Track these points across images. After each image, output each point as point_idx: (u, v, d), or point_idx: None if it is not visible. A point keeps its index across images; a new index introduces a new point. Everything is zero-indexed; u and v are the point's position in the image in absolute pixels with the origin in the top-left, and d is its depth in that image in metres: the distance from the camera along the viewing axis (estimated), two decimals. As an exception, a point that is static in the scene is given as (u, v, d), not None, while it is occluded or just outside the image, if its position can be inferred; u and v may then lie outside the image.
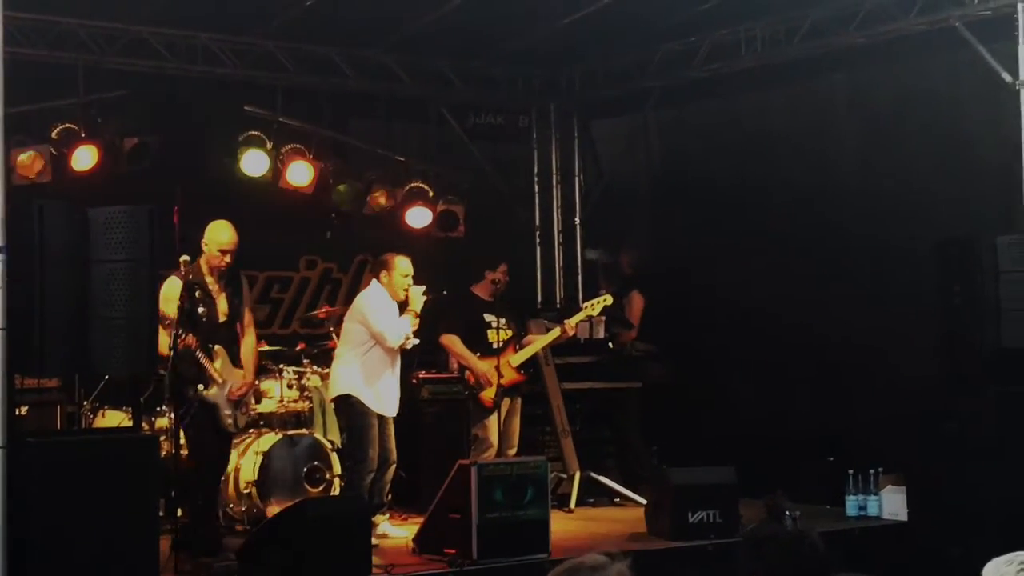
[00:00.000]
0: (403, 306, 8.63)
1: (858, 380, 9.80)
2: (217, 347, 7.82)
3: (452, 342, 9.35)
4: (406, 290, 8.58)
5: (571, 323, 9.51)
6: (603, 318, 10.26)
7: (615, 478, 10.35)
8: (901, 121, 9.93)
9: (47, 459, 6.26)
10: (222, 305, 7.88)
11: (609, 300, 9.67)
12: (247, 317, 8.14)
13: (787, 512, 3.57)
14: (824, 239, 10.27)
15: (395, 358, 8.59)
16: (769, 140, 10.81)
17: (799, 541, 3.47)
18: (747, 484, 8.51)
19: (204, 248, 7.82)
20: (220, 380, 7.83)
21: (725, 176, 11.08)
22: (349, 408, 8.50)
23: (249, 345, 8.11)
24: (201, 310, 7.68)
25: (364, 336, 8.56)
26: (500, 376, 9.13)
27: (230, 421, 7.95)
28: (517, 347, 9.48)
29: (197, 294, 7.65)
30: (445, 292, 9.06)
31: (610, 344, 10.74)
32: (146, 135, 9.94)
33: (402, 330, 8.48)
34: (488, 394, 9.17)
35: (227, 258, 7.85)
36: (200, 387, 7.74)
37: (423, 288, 8.61)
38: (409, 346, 8.69)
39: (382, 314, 8.54)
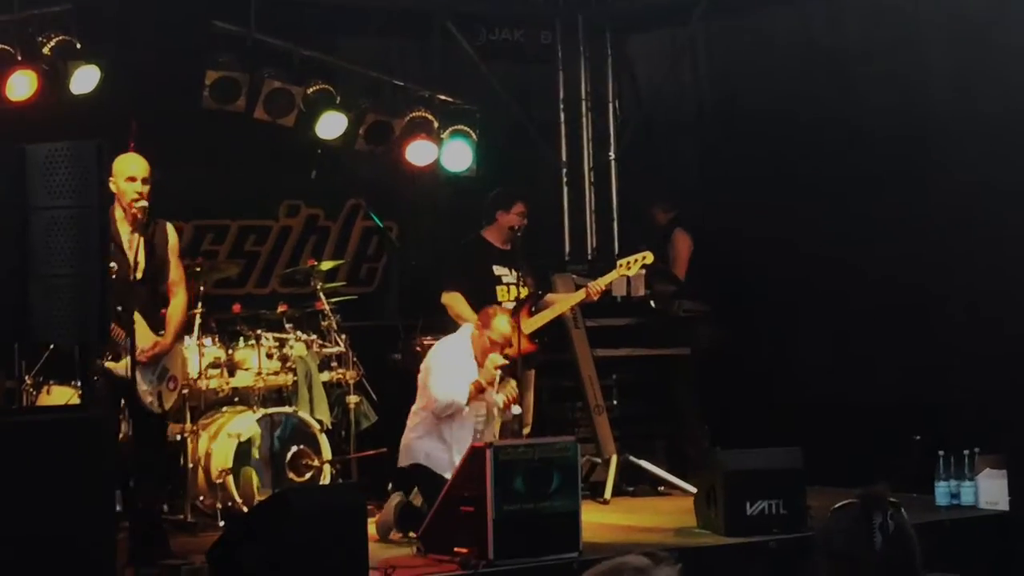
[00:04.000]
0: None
1: (952, 346, 9.77)
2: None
3: (454, 302, 9.37)
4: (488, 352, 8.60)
5: (597, 286, 9.52)
6: (643, 272, 10.24)
7: (660, 463, 10.39)
8: (1003, 34, 9.83)
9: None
10: (138, 259, 7.81)
11: (650, 258, 9.70)
12: (176, 272, 8.14)
13: (885, 515, 3.56)
14: (912, 177, 10.19)
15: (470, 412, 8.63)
16: (843, 56, 10.74)
17: (888, 566, 3.53)
18: (816, 469, 8.52)
19: (112, 187, 7.74)
20: (138, 351, 7.68)
21: (789, 101, 11.02)
22: (423, 476, 8.48)
23: (175, 305, 8.12)
24: (112, 266, 7.53)
25: None
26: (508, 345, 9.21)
27: (150, 399, 7.94)
28: (533, 309, 9.49)
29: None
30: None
31: (652, 303, 10.74)
32: (94, 58, 9.91)
33: (452, 399, 8.43)
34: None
35: (140, 187, 7.79)
36: (108, 359, 7.69)
37: (501, 360, 8.61)
38: (511, 415, 8.76)
39: (443, 373, 8.53)
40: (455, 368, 8.59)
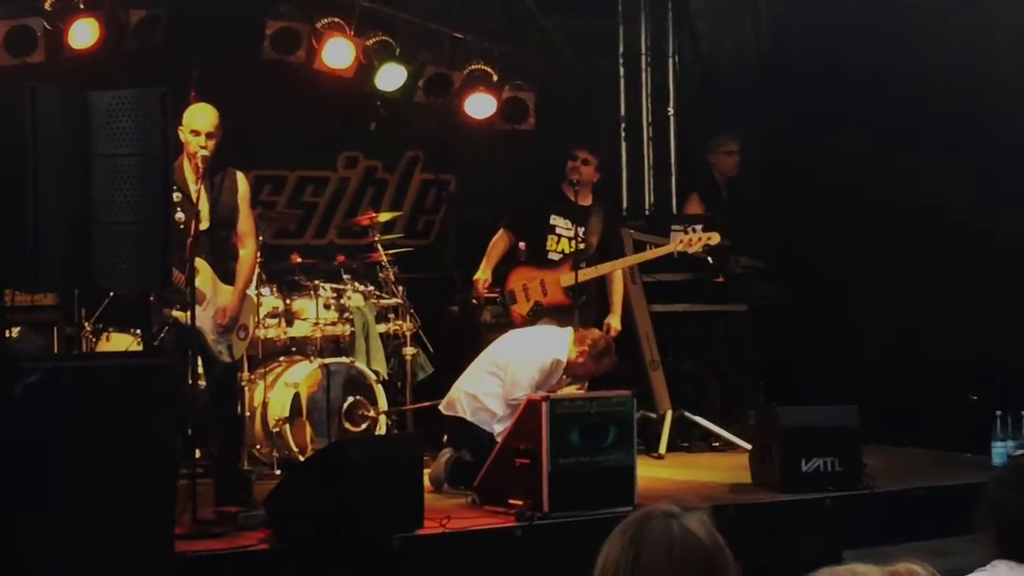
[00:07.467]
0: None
1: (1013, 304, 9.69)
2: (198, 261, 7.63)
3: (492, 243, 9.45)
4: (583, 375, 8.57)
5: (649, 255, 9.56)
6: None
7: (714, 419, 10.37)
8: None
9: (42, 387, 6.32)
10: (204, 209, 7.77)
11: (715, 239, 9.57)
12: (246, 222, 8.07)
13: None
14: (979, 131, 10.03)
15: None
16: (905, 8, 10.61)
17: None
18: (873, 427, 8.50)
19: (180, 137, 7.70)
20: (206, 300, 7.78)
21: (853, 54, 10.90)
22: (464, 429, 8.51)
23: (245, 255, 8.05)
24: (178, 216, 7.56)
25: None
26: (545, 293, 9.26)
27: (219, 348, 7.92)
28: (574, 267, 9.49)
29: (175, 197, 7.49)
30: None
31: (709, 259, 10.68)
32: (156, 6, 9.94)
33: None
34: (520, 309, 9.29)
35: (203, 141, 7.72)
36: (178, 308, 7.64)
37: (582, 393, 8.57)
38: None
39: (533, 371, 8.43)
40: (541, 368, 8.48)
